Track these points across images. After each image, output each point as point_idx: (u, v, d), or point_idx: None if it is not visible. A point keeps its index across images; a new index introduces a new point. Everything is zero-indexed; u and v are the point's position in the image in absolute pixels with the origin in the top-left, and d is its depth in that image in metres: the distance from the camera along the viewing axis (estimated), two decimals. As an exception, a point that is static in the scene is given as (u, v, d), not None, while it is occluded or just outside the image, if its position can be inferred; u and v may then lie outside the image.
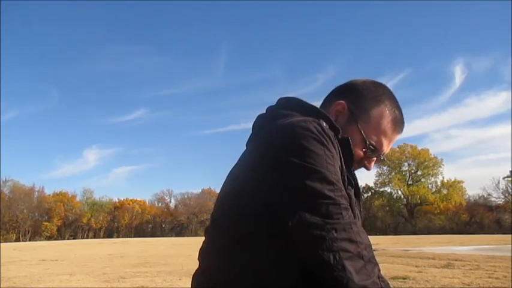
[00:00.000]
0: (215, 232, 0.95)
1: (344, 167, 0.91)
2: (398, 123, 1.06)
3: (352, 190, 0.95)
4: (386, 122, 1.03)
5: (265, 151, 0.88)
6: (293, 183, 0.82)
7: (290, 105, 1.01)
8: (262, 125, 1.00)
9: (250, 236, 0.85)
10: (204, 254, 0.96)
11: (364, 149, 1.02)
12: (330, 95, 1.09)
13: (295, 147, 0.84)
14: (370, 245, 0.83)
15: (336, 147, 0.89)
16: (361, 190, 1.04)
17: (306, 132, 0.85)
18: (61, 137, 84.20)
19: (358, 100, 1.03)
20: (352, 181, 0.96)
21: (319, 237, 0.77)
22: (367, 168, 1.07)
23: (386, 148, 1.06)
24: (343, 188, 0.85)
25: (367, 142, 1.01)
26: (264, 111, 1.06)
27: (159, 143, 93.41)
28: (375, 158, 1.07)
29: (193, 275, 0.96)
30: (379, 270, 0.83)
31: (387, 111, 1.04)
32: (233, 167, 0.99)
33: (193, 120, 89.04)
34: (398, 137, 1.07)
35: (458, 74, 76.76)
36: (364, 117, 1.02)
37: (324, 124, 0.90)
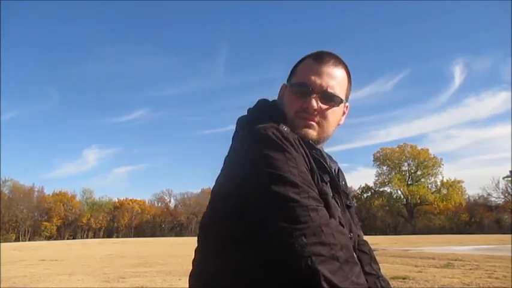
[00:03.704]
0: (201, 235, 1.01)
1: (314, 166, 0.93)
2: (315, 54, 1.07)
3: (328, 184, 0.97)
4: (308, 61, 1.06)
5: (233, 159, 0.95)
6: (258, 190, 0.85)
7: (262, 108, 1.06)
8: (237, 130, 1.05)
9: (229, 240, 0.89)
10: (194, 256, 1.02)
11: (292, 91, 1.04)
12: None
13: (257, 155, 0.88)
14: (347, 245, 0.82)
15: (299, 149, 0.91)
16: (340, 184, 1.05)
17: (265, 139, 0.89)
18: (61, 137, 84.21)
19: (291, 73, 1.11)
20: (326, 177, 0.97)
21: (289, 245, 0.78)
22: (307, 109, 1.01)
23: (314, 76, 1.02)
24: (310, 189, 0.86)
25: (288, 83, 1.06)
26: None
27: (159, 143, 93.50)
28: (313, 95, 1.01)
29: (189, 276, 1.02)
30: (367, 266, 0.83)
31: (307, 58, 1.08)
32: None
33: (193, 120, 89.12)
34: (323, 66, 1.03)
35: (458, 74, 76.79)
36: (293, 77, 1.08)
37: (285, 128, 0.93)
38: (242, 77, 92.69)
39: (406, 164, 60.41)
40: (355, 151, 77.00)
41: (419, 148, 59.70)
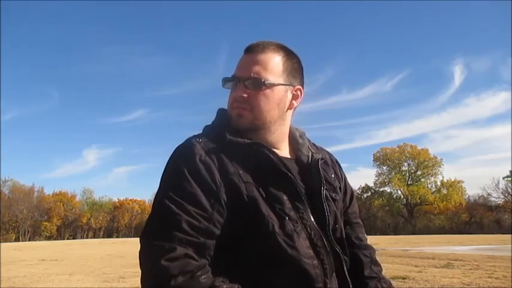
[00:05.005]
0: None
1: (232, 171, 0.94)
2: (246, 47, 1.08)
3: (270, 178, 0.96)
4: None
5: None
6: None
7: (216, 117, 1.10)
8: None
9: None
10: None
11: (227, 87, 1.07)
12: None
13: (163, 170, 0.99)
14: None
15: (208, 160, 0.93)
16: (318, 174, 1.05)
17: (171, 158, 0.97)
18: (61, 137, 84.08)
19: None
20: (264, 171, 0.96)
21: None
22: (235, 98, 1.03)
23: (240, 67, 1.06)
24: (179, 211, 0.88)
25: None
26: None
27: (159, 143, 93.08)
28: (239, 84, 1.03)
29: None
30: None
31: None
32: None
33: (193, 120, 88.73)
34: (249, 55, 1.06)
35: (458, 74, 76.44)
36: None
37: (199, 140, 0.97)
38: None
39: (406, 164, 60.42)
40: (355, 151, 77.05)
41: (419, 148, 59.70)
